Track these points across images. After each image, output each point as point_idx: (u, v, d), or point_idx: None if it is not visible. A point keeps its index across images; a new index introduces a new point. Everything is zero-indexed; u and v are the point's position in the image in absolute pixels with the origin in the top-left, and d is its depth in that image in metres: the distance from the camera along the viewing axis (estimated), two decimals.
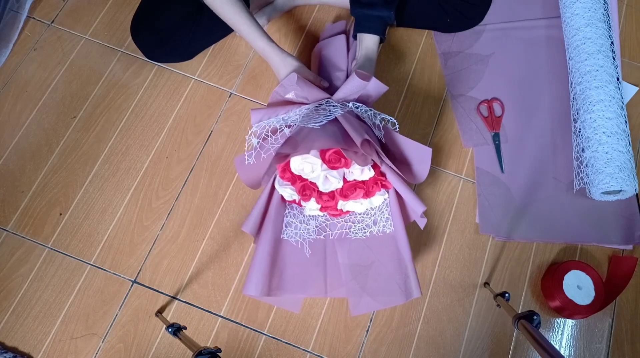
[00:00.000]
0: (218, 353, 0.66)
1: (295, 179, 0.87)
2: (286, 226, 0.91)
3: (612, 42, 1.02)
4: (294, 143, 0.84)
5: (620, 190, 0.95)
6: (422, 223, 0.89)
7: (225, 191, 1.01)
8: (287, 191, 0.88)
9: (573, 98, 1.05)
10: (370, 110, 0.90)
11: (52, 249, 0.95)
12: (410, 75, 1.12)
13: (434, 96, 1.10)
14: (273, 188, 0.90)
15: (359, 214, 0.93)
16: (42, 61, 1.09)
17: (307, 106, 0.91)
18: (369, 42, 1.00)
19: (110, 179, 1.00)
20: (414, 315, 0.95)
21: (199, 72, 1.09)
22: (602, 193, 0.96)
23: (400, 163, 0.91)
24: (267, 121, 0.91)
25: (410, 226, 0.99)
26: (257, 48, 0.93)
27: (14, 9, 1.09)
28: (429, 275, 0.97)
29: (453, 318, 0.95)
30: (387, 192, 0.90)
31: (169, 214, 0.99)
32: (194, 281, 0.95)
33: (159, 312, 0.92)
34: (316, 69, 1.05)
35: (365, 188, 0.87)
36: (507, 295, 0.86)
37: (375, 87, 0.91)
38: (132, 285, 0.94)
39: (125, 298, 0.93)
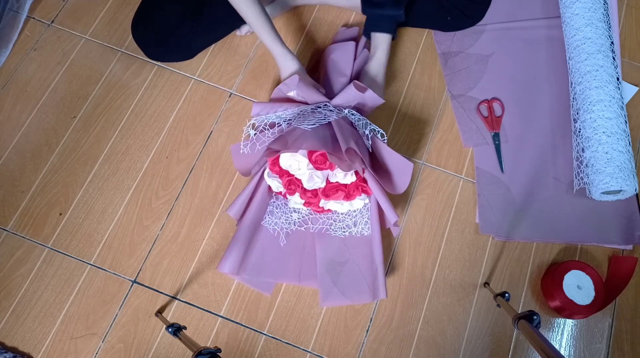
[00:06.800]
0: (218, 353, 0.66)
1: (283, 173, 0.92)
2: (269, 215, 0.96)
3: (612, 42, 1.02)
4: (285, 141, 0.89)
5: (620, 190, 0.95)
6: (395, 231, 0.95)
7: (225, 191, 1.01)
8: (275, 183, 0.94)
9: (573, 98, 1.05)
10: (363, 119, 0.95)
11: (52, 249, 0.95)
12: (410, 75, 1.12)
13: (434, 96, 1.10)
14: (262, 178, 0.95)
15: (341, 213, 0.98)
16: (42, 61, 1.08)
17: (305, 107, 0.96)
18: (381, 40, 1.04)
19: (110, 179, 1.00)
20: (414, 315, 0.95)
21: (199, 72, 1.09)
22: (602, 193, 0.96)
23: (384, 172, 0.95)
24: (265, 116, 0.96)
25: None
26: (264, 43, 0.97)
27: (14, 9, 1.09)
28: (429, 275, 0.97)
29: (453, 318, 0.95)
30: (369, 198, 0.95)
31: (169, 214, 0.99)
32: (194, 281, 0.95)
33: (159, 312, 0.92)
34: (323, 70, 1.06)
35: (347, 191, 0.92)
36: (507, 295, 0.86)
37: (371, 98, 0.95)
38: (132, 285, 0.94)
39: (125, 298, 0.93)
